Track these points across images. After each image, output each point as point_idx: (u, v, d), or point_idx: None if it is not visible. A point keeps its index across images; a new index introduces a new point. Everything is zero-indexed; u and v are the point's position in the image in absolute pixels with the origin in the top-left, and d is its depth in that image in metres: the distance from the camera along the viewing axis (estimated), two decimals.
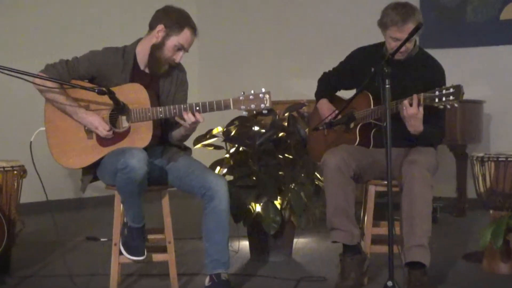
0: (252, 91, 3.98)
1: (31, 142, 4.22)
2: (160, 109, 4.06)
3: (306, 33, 8.54)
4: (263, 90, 3.97)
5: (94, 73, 4.19)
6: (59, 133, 4.19)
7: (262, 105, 3.98)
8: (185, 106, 4.03)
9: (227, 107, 4.00)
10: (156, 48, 4.19)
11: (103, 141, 4.15)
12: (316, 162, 4.84)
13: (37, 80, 4.07)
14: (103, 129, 4.10)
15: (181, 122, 4.06)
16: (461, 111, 6.64)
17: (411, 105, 4.06)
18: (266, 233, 5.05)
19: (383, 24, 4.31)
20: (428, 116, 4.13)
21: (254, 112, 4.06)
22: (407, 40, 4.05)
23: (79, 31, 7.87)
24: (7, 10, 7.48)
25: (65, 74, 4.14)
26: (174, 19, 4.19)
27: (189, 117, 4.01)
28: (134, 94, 4.10)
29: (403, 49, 4.19)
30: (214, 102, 4.00)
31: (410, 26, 4.17)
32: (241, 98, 3.98)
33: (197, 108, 4.01)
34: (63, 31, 7.81)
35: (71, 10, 7.98)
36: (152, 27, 4.24)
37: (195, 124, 4.06)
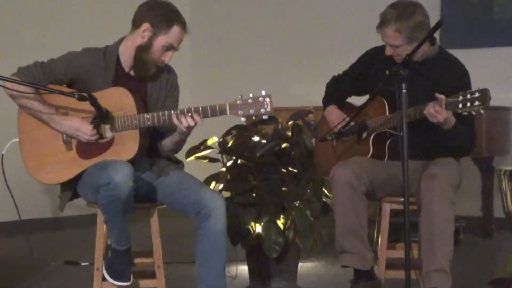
0: (251, 95, 3.98)
1: (2, 155, 4.22)
2: (148, 116, 4.05)
3: (312, 32, 8.54)
4: (263, 93, 3.98)
5: (72, 76, 4.18)
6: (35, 145, 4.18)
7: (262, 110, 3.98)
8: (175, 112, 4.02)
9: (222, 112, 4.00)
10: (143, 50, 4.18)
11: (84, 153, 4.14)
12: (324, 176, 4.85)
13: (9, 84, 4.04)
14: (86, 130, 4.07)
15: (177, 123, 4.03)
16: (487, 119, 6.63)
17: (441, 106, 4.06)
18: (267, 257, 5.05)
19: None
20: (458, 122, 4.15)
21: (253, 118, 4.08)
22: (424, 40, 4.04)
23: (56, 29, 7.88)
24: None
25: (40, 78, 4.12)
26: (161, 16, 4.17)
27: (187, 121, 4.00)
28: (118, 100, 4.09)
29: (394, 53, 4.27)
30: (209, 107, 4.00)
31: (386, 32, 4.30)
32: (238, 102, 3.98)
33: (189, 114, 4.00)
34: (38, 29, 7.83)
35: (48, 4, 7.97)
36: (136, 25, 4.22)
37: (192, 128, 4.04)
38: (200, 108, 4.00)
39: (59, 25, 7.94)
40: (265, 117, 4.02)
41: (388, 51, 4.34)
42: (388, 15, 4.29)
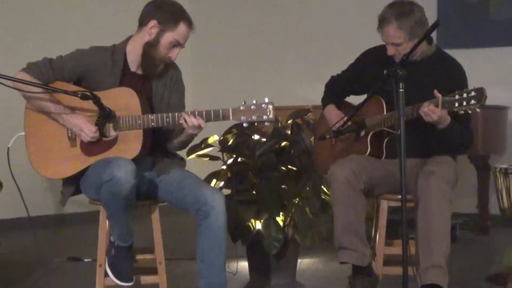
0: (254, 101, 3.99)
1: (8, 148, 4.21)
2: (152, 117, 4.05)
3: (312, 32, 8.53)
4: (266, 100, 3.98)
5: (80, 73, 4.19)
6: (40, 139, 4.19)
7: (265, 117, 3.99)
8: (179, 114, 4.03)
9: (225, 117, 4.01)
10: (150, 46, 4.19)
11: (87, 149, 4.15)
12: (323, 174, 4.85)
13: (20, 85, 4.04)
14: (88, 131, 4.09)
15: (184, 125, 4.04)
16: (483, 118, 6.64)
17: (437, 105, 4.06)
18: (267, 253, 5.04)
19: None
20: (454, 121, 4.15)
21: (255, 124, 4.07)
22: (422, 40, 4.04)
23: (63, 29, 7.89)
24: None
25: (49, 74, 4.14)
26: (168, 13, 4.18)
27: (192, 120, 4.01)
28: (124, 100, 4.10)
29: (395, 52, 4.25)
30: (212, 112, 4.01)
31: (387, 30, 4.31)
32: (241, 108, 3.99)
33: (193, 116, 4.02)
34: (46, 27, 7.84)
35: (55, 3, 8.00)
36: (143, 23, 4.23)
37: (197, 129, 4.04)
38: (204, 112, 4.01)
39: (67, 22, 7.95)
40: (266, 123, 4.04)
41: (390, 51, 4.33)
42: (387, 14, 4.30)
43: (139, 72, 4.29)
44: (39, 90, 4.06)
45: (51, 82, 4.11)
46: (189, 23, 4.23)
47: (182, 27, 4.20)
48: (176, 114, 4.05)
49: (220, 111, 4.00)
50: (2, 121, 6.71)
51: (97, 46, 4.29)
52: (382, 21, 4.32)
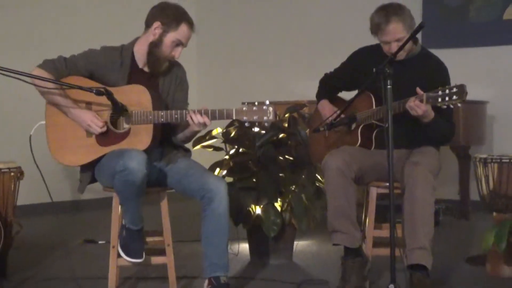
0: (256, 103, 4.00)
1: (30, 135, 4.20)
2: (162, 113, 4.06)
3: (307, 33, 8.54)
4: (267, 102, 3.99)
5: (91, 70, 4.20)
6: (59, 129, 4.19)
7: (265, 118, 3.99)
8: (187, 112, 4.05)
9: (229, 116, 4.02)
10: (154, 46, 4.20)
11: (102, 140, 4.15)
12: (317, 163, 4.85)
13: (37, 81, 4.05)
14: (95, 126, 4.10)
15: (190, 122, 4.06)
16: (464, 112, 6.64)
17: (421, 101, 4.06)
18: (266, 236, 5.05)
19: (371, 31, 4.37)
20: (438, 115, 4.15)
21: (256, 124, 4.07)
22: (409, 39, 4.05)
23: (76, 32, 7.91)
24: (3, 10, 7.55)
25: (63, 70, 4.15)
26: (171, 15, 4.20)
27: (197, 118, 4.02)
28: (136, 96, 4.10)
29: (396, 48, 4.24)
30: (217, 111, 4.02)
31: (392, 27, 4.25)
32: (244, 109, 3.99)
33: (200, 114, 4.03)
34: (60, 31, 7.86)
35: (69, 10, 8.02)
36: (148, 24, 4.25)
37: (202, 125, 4.06)
38: (209, 111, 4.03)
39: (79, 28, 7.97)
40: (267, 124, 4.05)
41: (393, 48, 4.26)
42: (387, 15, 4.24)
43: (146, 70, 4.29)
44: (52, 85, 4.07)
45: (64, 78, 4.12)
46: (190, 24, 4.23)
47: (183, 28, 4.20)
48: (184, 111, 4.06)
49: (224, 110, 4.01)
50: (25, 110, 6.71)
51: (107, 46, 4.31)
52: (384, 22, 4.25)
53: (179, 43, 4.22)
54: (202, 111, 4.02)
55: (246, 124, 4.06)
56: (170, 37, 4.19)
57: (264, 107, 3.98)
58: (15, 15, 7.56)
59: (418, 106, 4.07)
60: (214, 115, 4.03)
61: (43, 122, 4.22)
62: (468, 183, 7.05)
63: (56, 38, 7.68)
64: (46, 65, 4.16)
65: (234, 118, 4.02)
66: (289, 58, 8.68)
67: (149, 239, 4.35)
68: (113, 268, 4.25)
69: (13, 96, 7.24)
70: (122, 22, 7.80)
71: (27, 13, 7.67)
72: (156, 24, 4.19)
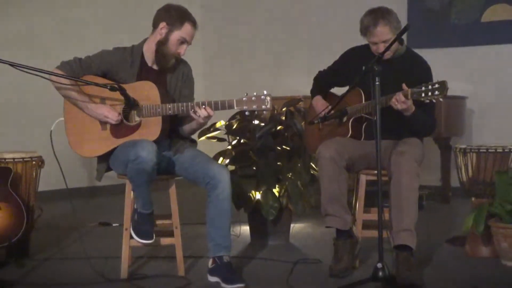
0: (255, 93, 4.00)
1: (51, 131, 4.21)
2: (169, 106, 4.06)
3: (304, 33, 8.52)
4: (265, 92, 3.99)
5: (105, 69, 4.20)
6: (76, 123, 4.20)
7: (263, 106, 3.99)
8: (192, 104, 4.05)
9: (230, 106, 4.02)
10: (161, 44, 4.20)
11: (116, 133, 4.15)
12: (312, 153, 4.84)
13: (54, 78, 4.07)
14: (112, 116, 4.11)
15: (195, 116, 4.06)
16: (446, 106, 6.63)
17: (406, 96, 4.05)
18: (265, 219, 5.05)
19: (361, 32, 4.35)
20: (419, 109, 4.13)
21: (256, 112, 4.07)
22: (395, 40, 4.04)
23: (89, 33, 7.91)
24: (20, 11, 7.57)
25: (78, 70, 4.15)
26: (175, 16, 4.20)
27: (202, 112, 4.02)
28: (146, 92, 4.11)
29: (384, 49, 4.22)
30: (219, 102, 4.02)
31: (380, 30, 4.24)
32: (244, 99, 3.99)
33: (203, 106, 4.03)
34: (75, 34, 7.88)
35: (83, 14, 8.04)
36: (155, 25, 4.25)
37: (207, 118, 4.06)
38: (212, 102, 4.02)
39: (91, 30, 7.98)
40: (265, 112, 4.04)
41: (381, 48, 4.24)
42: (375, 18, 4.22)
43: (155, 67, 4.29)
44: (68, 82, 4.09)
45: (80, 77, 4.12)
46: (193, 23, 4.24)
47: (187, 26, 4.20)
48: (190, 103, 4.06)
49: (226, 101, 4.01)
50: (46, 108, 6.68)
51: (118, 46, 4.31)
52: (372, 25, 4.23)
53: (183, 41, 4.22)
54: (206, 103, 4.02)
55: (247, 113, 4.06)
56: (175, 35, 4.19)
57: (262, 97, 3.98)
58: (18, 15, 7.57)
59: (401, 100, 4.06)
60: (217, 106, 4.03)
61: (62, 118, 4.24)
62: (449, 170, 7.05)
63: (75, 41, 7.69)
64: (63, 66, 4.17)
65: (235, 107, 4.02)
66: (286, 58, 8.65)
67: (158, 222, 4.34)
68: (126, 248, 4.24)
69: (35, 94, 7.29)
70: (133, 25, 7.79)
71: (31, 15, 7.69)
72: (162, 24, 4.19)
